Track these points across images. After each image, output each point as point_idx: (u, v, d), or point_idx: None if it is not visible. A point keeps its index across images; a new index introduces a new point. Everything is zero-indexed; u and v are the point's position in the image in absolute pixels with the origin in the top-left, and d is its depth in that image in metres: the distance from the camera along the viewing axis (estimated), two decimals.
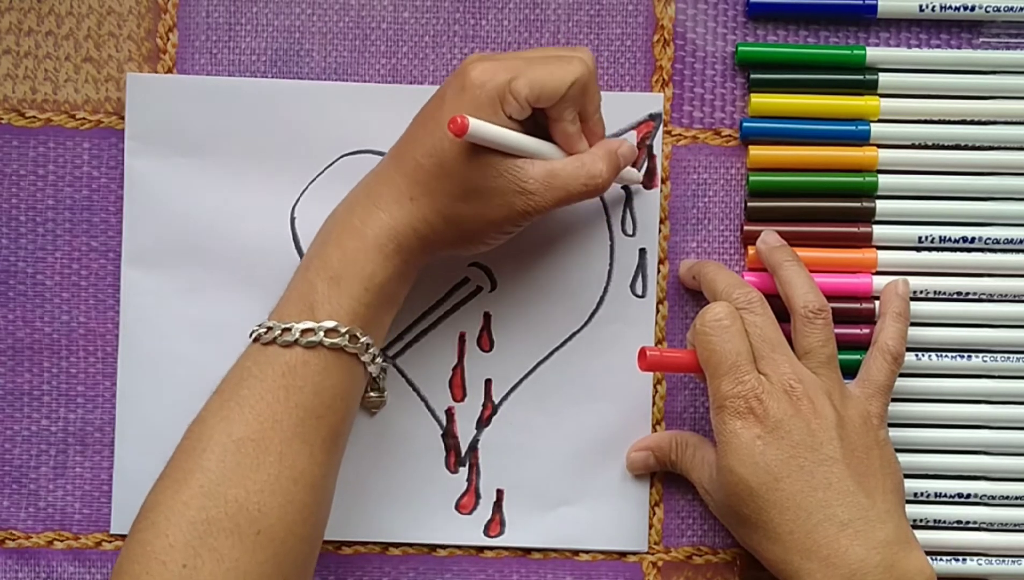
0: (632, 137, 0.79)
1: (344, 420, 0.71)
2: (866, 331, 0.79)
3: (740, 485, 0.71)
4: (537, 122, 0.72)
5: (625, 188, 0.80)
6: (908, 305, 0.77)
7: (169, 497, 0.67)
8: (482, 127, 0.68)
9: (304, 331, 0.69)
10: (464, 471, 0.80)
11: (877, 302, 0.79)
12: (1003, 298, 0.80)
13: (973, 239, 0.80)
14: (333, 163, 0.79)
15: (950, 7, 0.79)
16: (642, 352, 0.73)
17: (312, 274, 0.71)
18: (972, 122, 0.80)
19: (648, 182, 0.80)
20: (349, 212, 0.72)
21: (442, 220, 0.71)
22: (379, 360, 0.72)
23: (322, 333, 0.69)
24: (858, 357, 0.77)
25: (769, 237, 0.78)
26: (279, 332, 0.69)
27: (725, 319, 0.72)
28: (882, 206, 0.80)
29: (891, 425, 0.77)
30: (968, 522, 0.80)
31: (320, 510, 0.70)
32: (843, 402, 0.73)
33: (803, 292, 0.74)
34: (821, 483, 0.70)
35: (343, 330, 0.69)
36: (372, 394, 0.78)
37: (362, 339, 0.70)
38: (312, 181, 0.79)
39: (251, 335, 0.71)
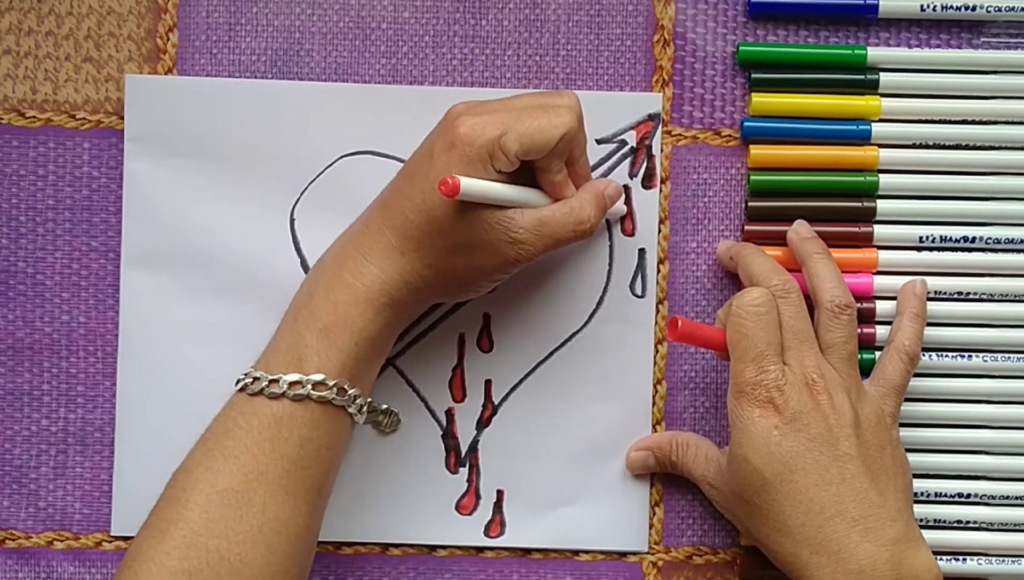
0: (632, 137, 0.79)
1: (329, 471, 0.71)
2: (868, 331, 0.79)
3: (754, 475, 0.71)
4: (523, 165, 0.72)
5: (624, 188, 0.79)
6: (925, 305, 0.77)
7: (151, 547, 0.67)
8: (473, 185, 0.68)
9: (292, 383, 0.69)
10: (464, 472, 0.80)
11: (878, 302, 0.79)
12: (1004, 298, 0.80)
13: (974, 239, 0.80)
14: (333, 164, 0.79)
15: (951, 7, 0.79)
16: (673, 321, 0.72)
17: (301, 326, 0.71)
18: (973, 122, 0.80)
19: (648, 182, 0.80)
20: (339, 264, 0.72)
21: (433, 273, 0.71)
22: (365, 410, 0.73)
23: (310, 386, 0.69)
24: (859, 356, 0.77)
25: (801, 228, 0.78)
26: (266, 383, 0.70)
27: (762, 306, 0.72)
28: (883, 206, 0.80)
29: None
30: (968, 522, 0.80)
31: (303, 560, 0.70)
32: (860, 400, 0.73)
33: (830, 286, 0.75)
34: (835, 478, 0.70)
35: (331, 383, 0.70)
36: (382, 417, 0.78)
37: (350, 392, 0.71)
38: (312, 182, 0.79)
39: (237, 384, 0.71)
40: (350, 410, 0.71)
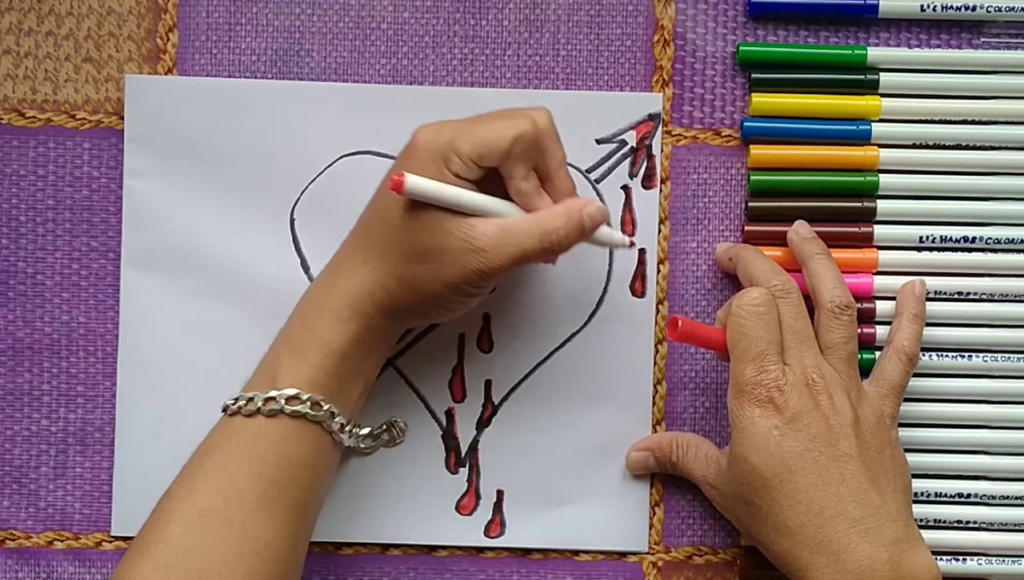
0: (632, 137, 0.79)
1: (310, 491, 0.71)
2: (868, 331, 0.78)
3: (753, 475, 0.71)
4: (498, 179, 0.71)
5: (624, 188, 0.80)
6: (924, 306, 0.77)
7: (132, 569, 0.67)
8: (420, 183, 0.68)
9: (267, 399, 0.69)
10: (464, 472, 0.80)
11: (878, 302, 0.79)
12: (1004, 298, 0.80)
13: (974, 239, 0.80)
14: (333, 164, 0.79)
15: (951, 7, 0.79)
16: (674, 321, 0.72)
17: (277, 345, 0.72)
18: (973, 122, 0.80)
19: (648, 182, 0.80)
20: (313, 285, 0.73)
21: (396, 282, 0.70)
22: (352, 430, 0.72)
23: (283, 401, 0.69)
24: (859, 356, 0.76)
25: (801, 228, 0.78)
26: (244, 402, 0.70)
27: (762, 306, 0.72)
28: (883, 206, 0.80)
29: None
30: (968, 522, 0.80)
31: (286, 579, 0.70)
32: (859, 401, 0.73)
33: (831, 286, 0.75)
34: (835, 479, 0.70)
35: (304, 397, 0.69)
36: (386, 435, 0.78)
37: (325, 407, 0.70)
38: (312, 182, 0.79)
39: (222, 408, 0.71)
40: (330, 427, 0.71)
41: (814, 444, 0.71)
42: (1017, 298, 0.80)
